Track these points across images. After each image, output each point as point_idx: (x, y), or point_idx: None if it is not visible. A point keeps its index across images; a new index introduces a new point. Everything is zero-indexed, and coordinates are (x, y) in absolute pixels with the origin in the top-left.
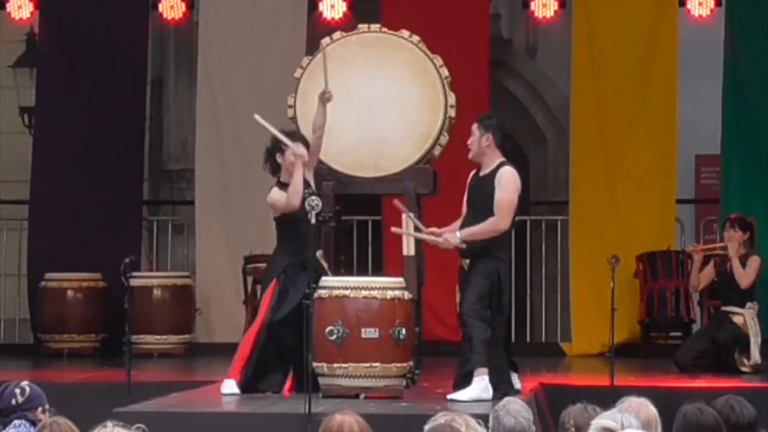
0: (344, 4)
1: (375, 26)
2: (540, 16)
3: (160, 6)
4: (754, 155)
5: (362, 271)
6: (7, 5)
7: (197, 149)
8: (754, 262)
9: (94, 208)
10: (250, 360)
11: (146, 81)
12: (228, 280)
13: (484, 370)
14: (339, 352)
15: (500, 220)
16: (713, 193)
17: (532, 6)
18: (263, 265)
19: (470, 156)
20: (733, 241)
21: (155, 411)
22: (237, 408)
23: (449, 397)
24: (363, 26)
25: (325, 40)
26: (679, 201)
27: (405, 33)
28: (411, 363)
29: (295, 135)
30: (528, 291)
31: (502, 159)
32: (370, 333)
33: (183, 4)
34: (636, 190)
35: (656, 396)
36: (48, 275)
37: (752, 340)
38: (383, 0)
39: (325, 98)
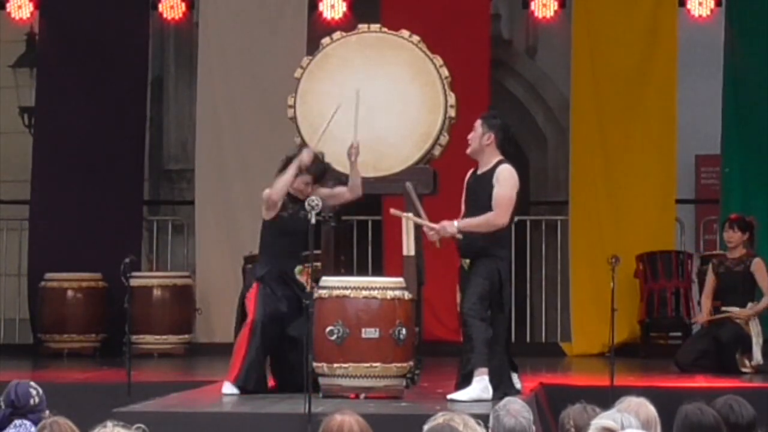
0: (344, 4)
1: (375, 26)
2: (540, 16)
3: (160, 6)
4: (754, 155)
5: (362, 271)
6: (7, 5)
7: (197, 149)
8: (760, 265)
9: (94, 208)
10: (245, 362)
11: (146, 81)
12: (228, 280)
13: (484, 370)
14: (339, 352)
15: (498, 215)
16: (713, 193)
17: (532, 6)
18: None
19: (468, 151)
20: (733, 241)
21: (155, 411)
22: (237, 408)
23: (449, 397)
24: (363, 26)
25: (325, 40)
26: (679, 201)
27: (405, 33)
28: (411, 363)
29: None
30: (528, 291)
31: (500, 158)
32: (370, 333)
33: (183, 4)
34: (636, 190)
35: (656, 396)
36: (48, 275)
37: (754, 340)
38: (383, 0)
39: (354, 153)
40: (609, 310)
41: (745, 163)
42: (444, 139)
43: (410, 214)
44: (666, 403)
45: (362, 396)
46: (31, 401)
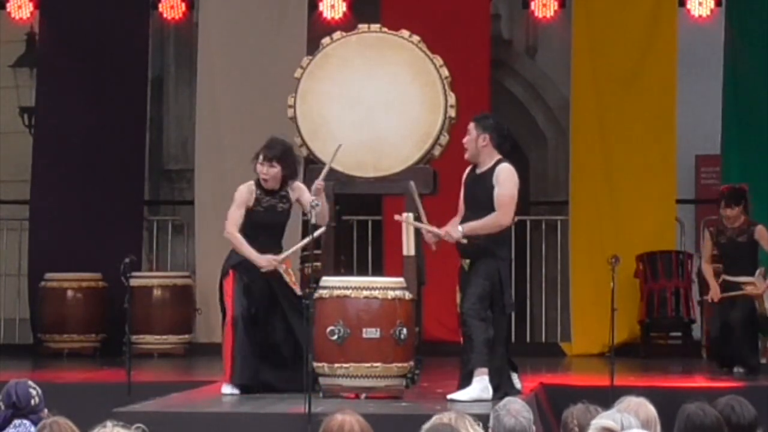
0: (344, 4)
1: (375, 26)
2: (540, 16)
3: (160, 6)
4: (754, 155)
5: (362, 271)
6: (7, 5)
7: (197, 149)
8: (763, 232)
9: (94, 208)
10: (235, 360)
11: (146, 81)
12: None
13: (484, 370)
14: (340, 352)
15: (502, 215)
16: (713, 193)
17: (532, 6)
18: None
19: (467, 156)
20: (733, 217)
21: (155, 411)
22: (237, 408)
23: (449, 397)
24: (363, 26)
25: (325, 40)
26: (679, 201)
27: (405, 33)
28: (411, 363)
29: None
30: (528, 291)
31: (499, 157)
32: (371, 333)
33: (183, 4)
34: (636, 190)
35: (656, 396)
36: (48, 275)
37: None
38: (383, 0)
39: (317, 191)
40: (609, 310)
41: (745, 163)
42: (444, 139)
43: (414, 220)
44: (666, 403)
45: (363, 396)
46: (32, 402)
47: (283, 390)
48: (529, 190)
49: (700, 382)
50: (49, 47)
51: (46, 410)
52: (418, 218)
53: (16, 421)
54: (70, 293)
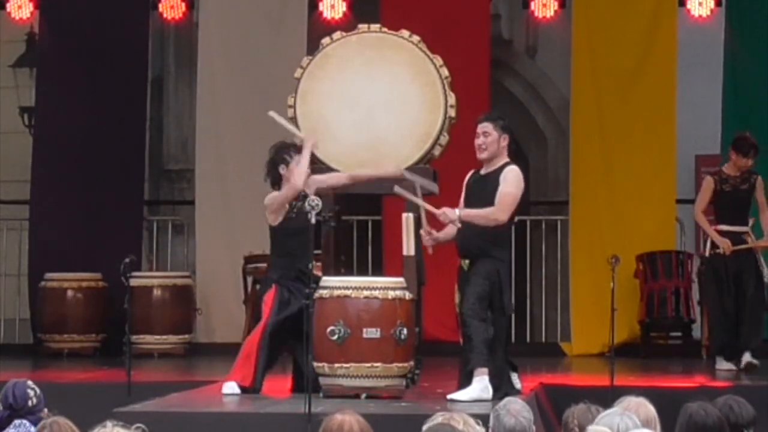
0: (344, 4)
1: (375, 26)
2: (540, 16)
3: (160, 6)
4: None
5: (362, 271)
6: (7, 5)
7: (197, 149)
8: (761, 181)
9: (94, 208)
10: (258, 364)
11: (146, 81)
12: (228, 280)
13: (484, 370)
14: (340, 352)
15: (500, 211)
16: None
17: (532, 6)
18: (263, 265)
19: (485, 156)
20: (748, 166)
21: (155, 411)
22: (237, 408)
23: (449, 397)
24: (363, 26)
25: (325, 40)
26: (679, 201)
27: (405, 33)
28: (411, 363)
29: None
30: (528, 291)
31: (507, 159)
32: (371, 333)
33: (183, 4)
34: (636, 190)
35: (656, 396)
36: (48, 275)
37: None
38: (383, 0)
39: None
40: (609, 310)
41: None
42: (444, 139)
43: (413, 196)
44: (666, 403)
45: (363, 396)
46: (29, 402)
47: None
48: (529, 190)
49: (700, 382)
50: (49, 47)
51: (45, 410)
52: (418, 221)
53: (16, 421)
54: (70, 293)
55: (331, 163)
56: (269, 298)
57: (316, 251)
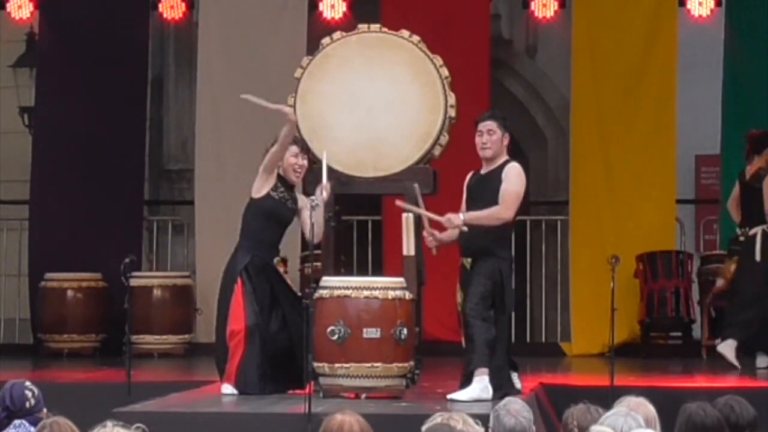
0: (344, 4)
1: (375, 26)
2: (540, 16)
3: (160, 6)
4: None
5: (362, 271)
6: (7, 5)
7: (197, 149)
8: None
9: (94, 208)
10: (241, 366)
11: (146, 81)
12: None
13: (485, 370)
14: (340, 352)
15: (504, 209)
16: (713, 193)
17: (532, 6)
18: None
19: (488, 155)
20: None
21: (155, 411)
22: (237, 408)
23: (449, 397)
24: (363, 26)
25: (325, 40)
26: (679, 201)
27: (405, 33)
28: (411, 363)
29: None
30: (528, 291)
31: (507, 157)
32: (371, 333)
33: (183, 4)
34: (636, 190)
35: (656, 396)
36: (48, 275)
37: None
38: (383, 0)
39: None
40: (609, 310)
41: (745, 163)
42: (444, 139)
43: (415, 207)
44: (666, 403)
45: (363, 396)
46: (27, 404)
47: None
48: (529, 190)
49: (700, 382)
50: (49, 47)
51: (45, 410)
52: (418, 221)
53: (16, 422)
54: (70, 293)
55: (331, 163)
56: (238, 297)
57: (317, 251)
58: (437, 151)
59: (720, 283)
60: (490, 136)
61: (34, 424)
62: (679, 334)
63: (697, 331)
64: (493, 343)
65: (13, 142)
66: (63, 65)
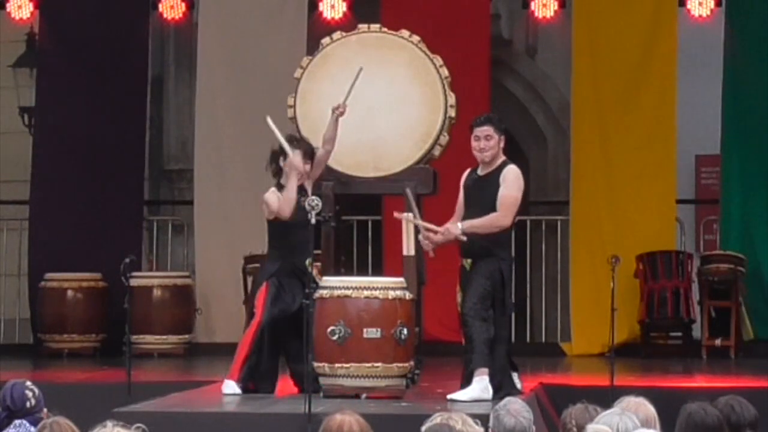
0: (344, 4)
1: (375, 26)
2: (540, 16)
3: (160, 6)
4: (754, 155)
5: (362, 271)
6: (7, 5)
7: (197, 149)
8: None
9: (94, 208)
10: (247, 361)
11: (146, 81)
12: (228, 280)
13: (485, 370)
14: (340, 352)
15: (503, 216)
16: (713, 193)
17: (532, 6)
18: None
19: (487, 159)
20: None
21: (155, 411)
22: (237, 408)
23: (449, 397)
24: (363, 26)
25: (325, 40)
26: (679, 201)
27: (405, 33)
28: (411, 363)
29: (299, 143)
30: (528, 291)
31: (504, 158)
32: (371, 333)
33: (183, 4)
34: (636, 190)
35: (656, 396)
36: (48, 275)
37: None
38: (383, 0)
39: (338, 112)
40: (609, 310)
41: (745, 163)
42: (444, 139)
43: (414, 218)
44: (666, 403)
45: (363, 396)
46: (27, 404)
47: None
48: (529, 190)
49: (700, 382)
50: (49, 47)
51: (45, 410)
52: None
53: (16, 422)
54: (70, 293)
55: (331, 163)
56: (261, 295)
57: (316, 251)
58: (437, 151)
59: None
60: (488, 141)
61: (34, 424)
62: (679, 334)
63: (697, 331)
64: (492, 343)
65: (13, 142)
66: (63, 65)
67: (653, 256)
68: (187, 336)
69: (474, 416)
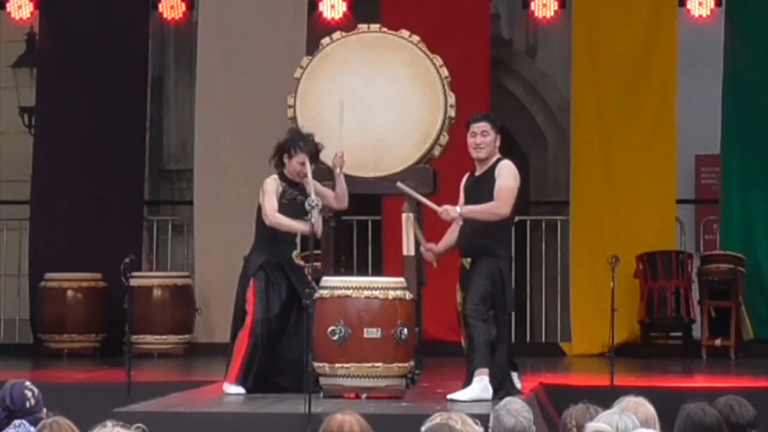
0: (344, 4)
1: (375, 26)
2: (540, 16)
3: (160, 6)
4: (754, 155)
5: (362, 271)
6: (7, 5)
7: (197, 149)
8: None
9: (94, 208)
10: (246, 362)
11: (146, 81)
12: (228, 280)
13: (485, 370)
14: (341, 352)
15: (501, 205)
16: (713, 193)
17: (532, 6)
18: None
19: (483, 156)
20: None
21: (155, 411)
22: (237, 408)
23: (449, 397)
24: (363, 26)
25: (325, 40)
26: (679, 201)
27: (405, 33)
28: (411, 363)
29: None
30: (528, 291)
31: (499, 155)
32: (372, 333)
33: (183, 4)
34: (636, 190)
35: (656, 396)
36: (48, 275)
37: None
38: (383, 0)
39: (339, 164)
40: (609, 310)
41: (745, 163)
42: (444, 139)
43: (411, 228)
44: (666, 403)
45: (363, 396)
46: (27, 404)
47: (291, 391)
48: (529, 190)
49: (700, 382)
50: (49, 47)
51: (45, 410)
52: (418, 217)
53: (16, 422)
54: (70, 293)
55: (331, 163)
56: (250, 293)
57: (316, 251)
58: (437, 151)
59: None
60: (484, 138)
61: (34, 424)
62: (679, 334)
63: (697, 331)
64: (493, 344)
65: (13, 142)
66: (63, 65)
67: (653, 256)
68: (187, 336)
69: (474, 416)
